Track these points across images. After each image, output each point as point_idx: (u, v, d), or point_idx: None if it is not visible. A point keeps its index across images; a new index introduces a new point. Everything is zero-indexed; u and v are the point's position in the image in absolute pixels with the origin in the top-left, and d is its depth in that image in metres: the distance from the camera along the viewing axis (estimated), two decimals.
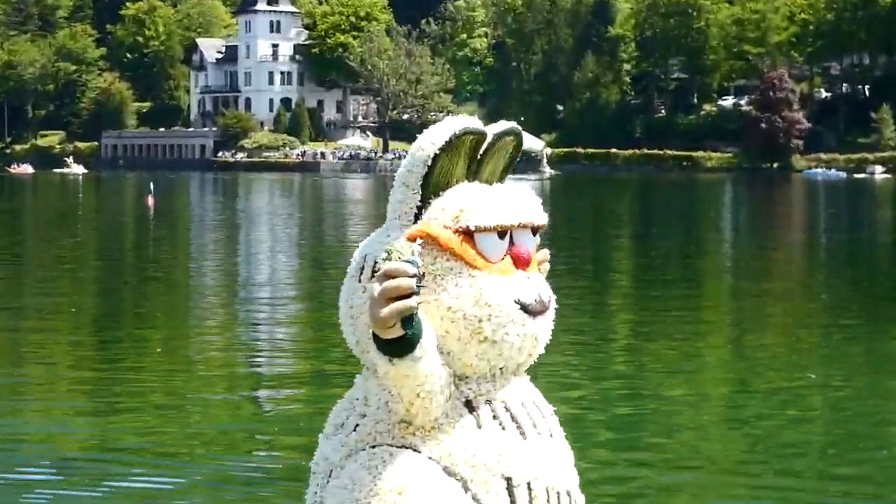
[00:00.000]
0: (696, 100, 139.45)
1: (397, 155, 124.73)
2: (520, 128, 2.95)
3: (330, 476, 2.84)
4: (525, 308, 2.81)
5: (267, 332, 16.09)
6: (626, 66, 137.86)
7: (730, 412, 11.41)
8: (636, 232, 38.93)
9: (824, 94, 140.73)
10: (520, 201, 2.86)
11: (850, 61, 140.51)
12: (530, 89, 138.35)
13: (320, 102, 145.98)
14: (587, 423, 10.42)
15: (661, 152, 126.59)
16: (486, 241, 2.79)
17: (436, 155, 2.78)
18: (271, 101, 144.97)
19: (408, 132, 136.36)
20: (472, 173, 2.88)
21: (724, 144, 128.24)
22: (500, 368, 2.84)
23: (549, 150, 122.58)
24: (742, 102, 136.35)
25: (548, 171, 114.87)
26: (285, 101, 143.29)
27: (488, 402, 2.84)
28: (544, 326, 2.88)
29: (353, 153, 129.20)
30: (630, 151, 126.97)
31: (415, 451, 2.78)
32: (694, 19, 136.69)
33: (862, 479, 8.91)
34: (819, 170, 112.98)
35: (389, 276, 2.55)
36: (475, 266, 2.78)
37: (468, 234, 2.78)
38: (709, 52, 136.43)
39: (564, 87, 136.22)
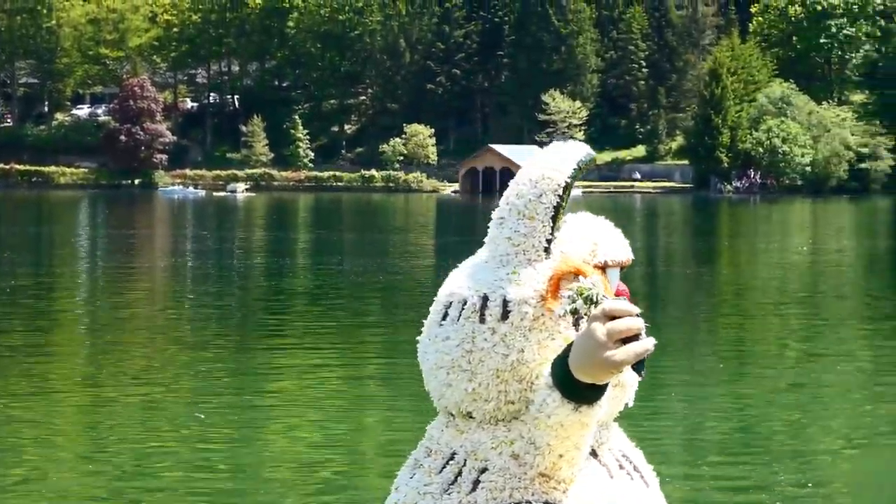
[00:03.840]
0: (47, 108, 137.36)
1: None
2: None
3: None
4: None
5: None
6: None
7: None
8: None
9: (190, 104, 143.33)
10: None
11: (217, 69, 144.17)
12: None
13: None
14: None
15: (7, 167, 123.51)
16: (613, 278, 2.81)
17: (567, 184, 2.78)
18: None
19: None
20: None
21: (80, 158, 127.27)
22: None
23: None
24: (100, 112, 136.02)
25: None
26: None
27: (609, 449, 2.89)
28: None
29: None
30: None
31: None
32: (44, 17, 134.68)
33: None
34: (177, 188, 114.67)
35: (611, 316, 2.50)
36: None
37: (602, 270, 2.79)
38: (61, 54, 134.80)
39: None
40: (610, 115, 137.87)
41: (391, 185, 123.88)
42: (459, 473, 2.82)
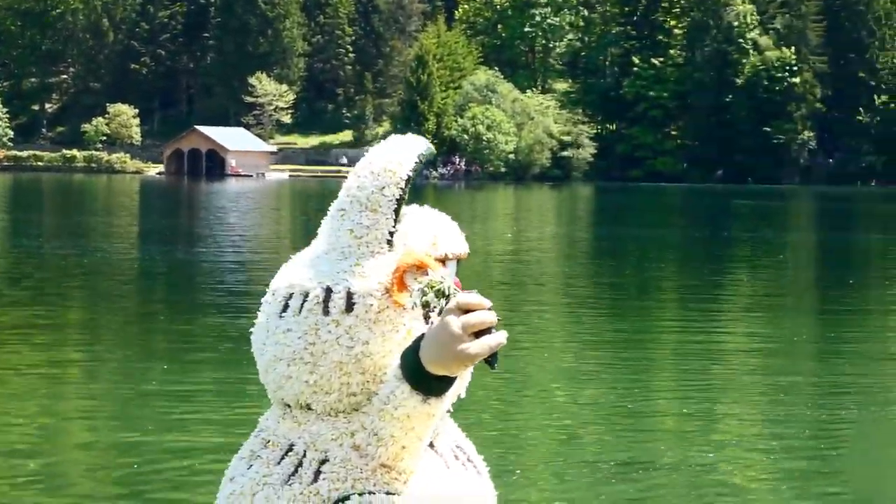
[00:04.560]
0: None
1: None
2: None
3: None
4: None
5: None
6: None
7: None
8: None
9: None
10: None
11: None
12: None
13: None
14: None
15: None
16: (451, 270, 2.85)
17: (409, 177, 2.82)
18: None
19: None
20: None
21: None
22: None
23: None
24: None
25: None
26: None
27: (444, 440, 2.91)
28: None
29: None
30: None
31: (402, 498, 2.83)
32: None
33: None
34: None
35: (465, 309, 2.56)
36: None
37: (442, 262, 2.83)
38: None
39: None
40: (317, 99, 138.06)
41: (93, 165, 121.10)
42: (300, 464, 2.82)
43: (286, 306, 2.85)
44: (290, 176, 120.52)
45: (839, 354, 18.05)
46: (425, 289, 2.66)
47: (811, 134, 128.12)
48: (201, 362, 15.95)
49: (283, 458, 2.85)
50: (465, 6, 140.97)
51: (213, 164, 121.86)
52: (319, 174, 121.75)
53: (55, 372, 15.35)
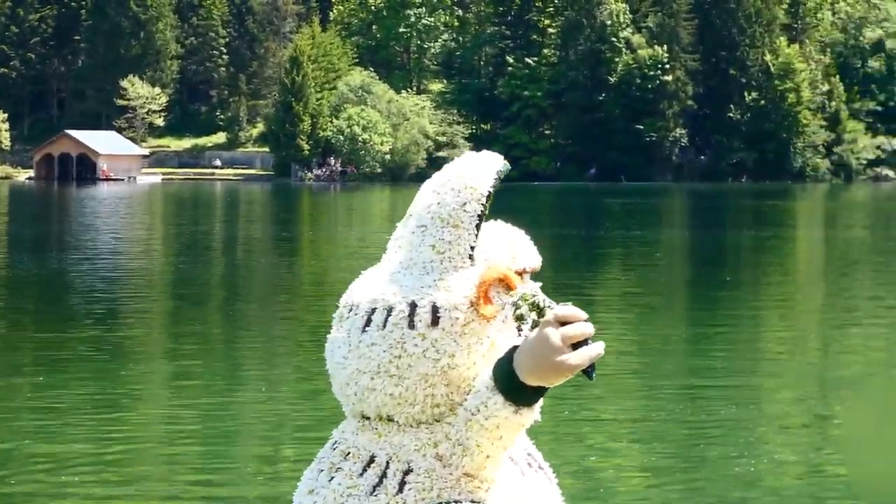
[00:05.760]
0: None
1: None
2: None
3: None
4: None
5: None
6: None
7: None
8: None
9: None
10: None
11: None
12: None
13: None
14: None
15: None
16: (528, 282, 2.90)
17: (489, 193, 2.89)
18: None
19: None
20: None
21: None
22: None
23: None
24: None
25: None
26: None
27: (517, 449, 2.97)
28: None
29: None
30: None
31: None
32: None
33: None
34: None
35: (563, 321, 2.66)
36: None
37: (520, 276, 2.90)
38: None
39: None
40: (190, 101, 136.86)
41: None
42: (384, 475, 2.88)
43: (369, 321, 2.90)
44: (162, 179, 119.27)
45: (714, 352, 18.27)
46: (519, 302, 2.73)
47: (683, 131, 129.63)
48: (73, 374, 15.68)
49: (365, 470, 2.91)
50: (340, 7, 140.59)
51: (85, 168, 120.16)
52: (193, 177, 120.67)
53: None
